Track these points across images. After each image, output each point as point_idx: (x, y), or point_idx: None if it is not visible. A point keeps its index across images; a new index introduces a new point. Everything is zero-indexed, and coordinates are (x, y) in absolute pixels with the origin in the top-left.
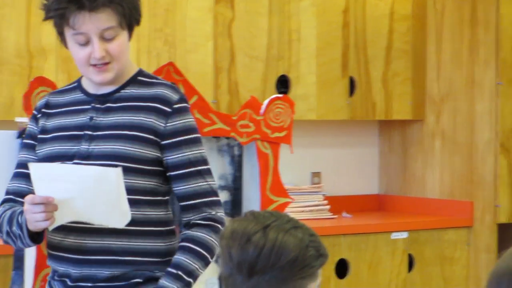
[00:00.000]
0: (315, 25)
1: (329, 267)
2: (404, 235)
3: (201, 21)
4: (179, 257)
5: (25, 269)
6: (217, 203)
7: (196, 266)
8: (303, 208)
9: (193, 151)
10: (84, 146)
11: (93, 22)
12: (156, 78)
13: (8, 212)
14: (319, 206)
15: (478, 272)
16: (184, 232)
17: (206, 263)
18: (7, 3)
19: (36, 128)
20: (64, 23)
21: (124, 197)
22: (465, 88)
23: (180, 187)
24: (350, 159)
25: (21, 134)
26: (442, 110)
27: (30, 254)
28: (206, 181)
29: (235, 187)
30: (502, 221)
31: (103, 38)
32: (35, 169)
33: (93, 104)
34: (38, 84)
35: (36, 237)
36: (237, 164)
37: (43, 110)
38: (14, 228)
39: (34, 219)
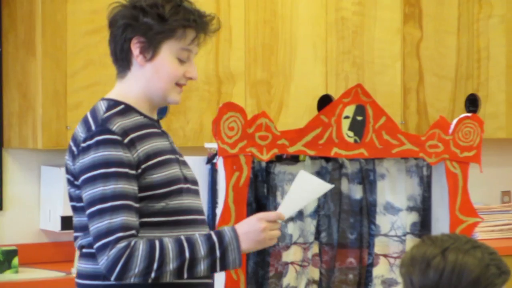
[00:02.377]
0: (505, 43)
1: None
2: None
3: (389, 42)
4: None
5: None
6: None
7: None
8: (493, 228)
9: None
10: (183, 171)
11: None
12: None
13: (171, 243)
14: (509, 225)
15: None
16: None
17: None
18: None
19: (129, 155)
20: (174, 36)
21: None
22: None
23: None
24: None
25: (210, 159)
26: None
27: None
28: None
29: (424, 207)
30: None
31: None
32: (302, 178)
33: (157, 129)
34: (227, 110)
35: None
36: (425, 185)
37: (129, 136)
38: (201, 254)
39: (271, 236)
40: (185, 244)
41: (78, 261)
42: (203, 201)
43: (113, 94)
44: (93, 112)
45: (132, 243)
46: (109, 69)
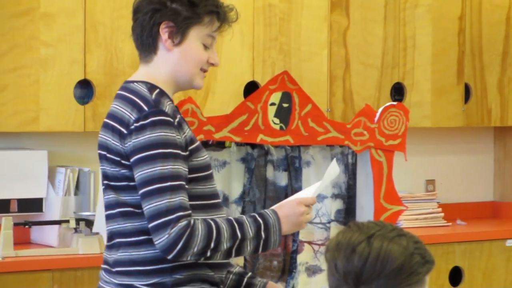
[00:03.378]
0: (431, 31)
1: (443, 275)
2: None
3: (316, 29)
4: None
5: None
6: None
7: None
8: (417, 216)
9: None
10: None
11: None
12: None
13: (224, 224)
14: (433, 214)
15: None
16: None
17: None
18: (123, 15)
19: (180, 137)
20: (202, 22)
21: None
22: None
23: None
24: (464, 166)
25: None
26: None
27: None
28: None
29: (349, 195)
30: None
31: None
32: (333, 167)
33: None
34: None
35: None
36: (351, 172)
37: (176, 119)
38: (250, 235)
39: (306, 220)
40: (236, 225)
41: (113, 250)
42: None
43: (142, 77)
44: (135, 93)
45: (192, 222)
46: (35, 53)
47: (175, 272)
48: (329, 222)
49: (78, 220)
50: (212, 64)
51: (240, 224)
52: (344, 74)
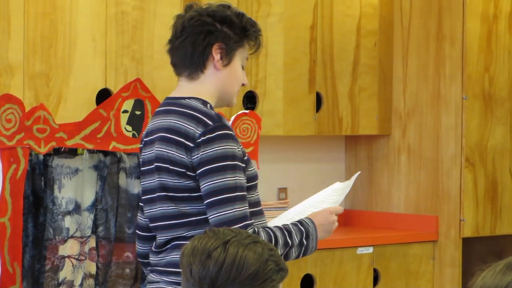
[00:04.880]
0: (282, 41)
1: (294, 283)
2: (370, 249)
3: (168, 37)
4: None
5: None
6: None
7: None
8: None
9: None
10: None
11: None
12: None
13: (279, 232)
14: None
15: (443, 286)
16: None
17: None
18: None
19: (240, 150)
20: (244, 45)
21: None
22: (431, 102)
23: None
24: (316, 174)
25: None
26: (408, 124)
27: None
28: None
29: None
30: (467, 235)
31: None
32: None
33: None
34: (4, 102)
35: None
36: None
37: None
38: (296, 242)
39: (335, 227)
40: (286, 234)
41: (164, 253)
42: None
43: (190, 93)
44: (195, 109)
45: (256, 229)
46: None
47: None
48: None
49: None
50: (243, 85)
51: (289, 232)
52: None
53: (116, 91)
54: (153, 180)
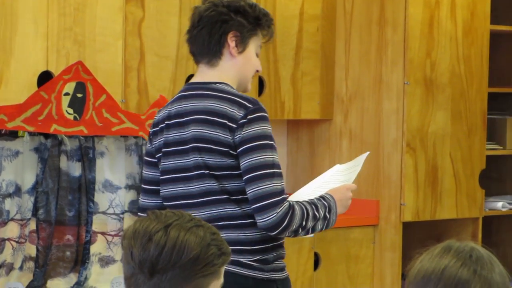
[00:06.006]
0: None
1: None
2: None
3: (111, 20)
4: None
5: None
6: None
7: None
8: None
9: None
10: None
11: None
12: None
13: (309, 206)
14: None
15: (383, 270)
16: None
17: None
18: None
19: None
20: (258, 34)
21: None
22: (372, 87)
23: None
24: None
25: None
26: (350, 109)
27: None
28: None
29: None
30: (407, 219)
31: None
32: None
33: None
34: None
35: None
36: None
37: None
38: (321, 216)
39: (350, 203)
40: (314, 208)
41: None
42: None
43: (216, 78)
44: (230, 93)
45: (291, 203)
46: None
47: (274, 251)
48: (122, 213)
49: None
50: (257, 71)
51: (316, 206)
52: (139, 65)
53: (57, 73)
54: (187, 160)
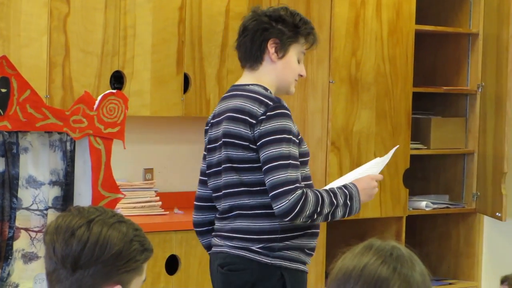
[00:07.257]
0: (151, 21)
1: (159, 263)
2: None
3: (36, 15)
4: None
5: None
6: None
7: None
8: (135, 204)
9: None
10: None
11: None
12: None
13: (326, 193)
14: (151, 202)
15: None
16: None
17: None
18: None
19: (295, 128)
20: (299, 41)
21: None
22: (298, 86)
23: None
24: (183, 155)
25: None
26: None
27: None
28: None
29: (67, 182)
30: None
31: None
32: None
33: None
34: None
35: None
36: (69, 160)
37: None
38: (341, 203)
39: (375, 193)
40: (332, 195)
41: (228, 220)
42: None
43: (252, 81)
44: (257, 93)
45: (305, 191)
46: None
47: (282, 241)
48: (46, 209)
49: None
50: (301, 76)
51: (334, 194)
52: (63, 61)
53: None
54: (220, 155)
